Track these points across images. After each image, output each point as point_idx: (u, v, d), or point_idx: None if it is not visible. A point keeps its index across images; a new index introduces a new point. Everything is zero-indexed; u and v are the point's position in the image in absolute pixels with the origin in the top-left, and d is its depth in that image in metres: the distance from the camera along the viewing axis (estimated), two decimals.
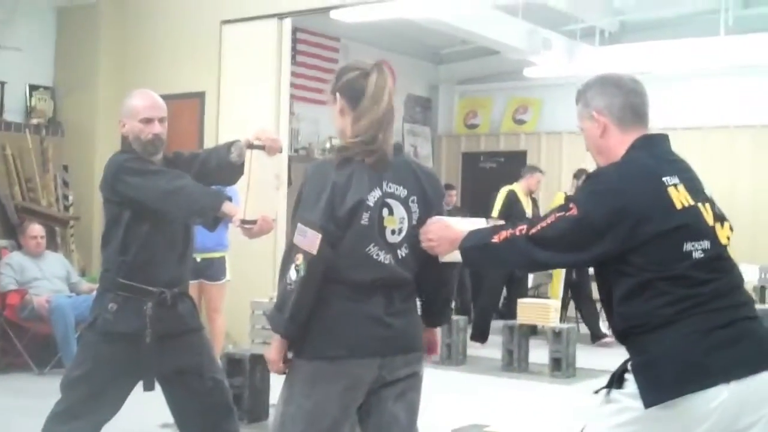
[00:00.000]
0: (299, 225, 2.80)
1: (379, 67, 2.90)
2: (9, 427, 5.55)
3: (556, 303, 8.44)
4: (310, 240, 2.75)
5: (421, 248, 2.90)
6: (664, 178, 2.63)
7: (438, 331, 3.24)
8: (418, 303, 3.07)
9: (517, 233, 2.68)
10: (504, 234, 2.70)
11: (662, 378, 2.51)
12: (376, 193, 2.84)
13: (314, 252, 2.75)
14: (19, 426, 5.21)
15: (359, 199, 2.80)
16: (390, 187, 2.87)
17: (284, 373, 2.92)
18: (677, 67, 10.65)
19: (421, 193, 2.92)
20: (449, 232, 2.85)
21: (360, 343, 2.83)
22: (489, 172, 12.49)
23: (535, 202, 9.80)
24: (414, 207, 2.90)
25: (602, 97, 2.76)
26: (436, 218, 2.92)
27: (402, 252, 2.88)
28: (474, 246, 2.79)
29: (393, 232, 2.86)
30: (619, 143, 2.72)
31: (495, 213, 9.11)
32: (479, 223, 2.99)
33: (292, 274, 2.77)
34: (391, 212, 2.86)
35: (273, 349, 2.89)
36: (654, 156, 2.69)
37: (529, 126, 12.63)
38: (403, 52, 11.88)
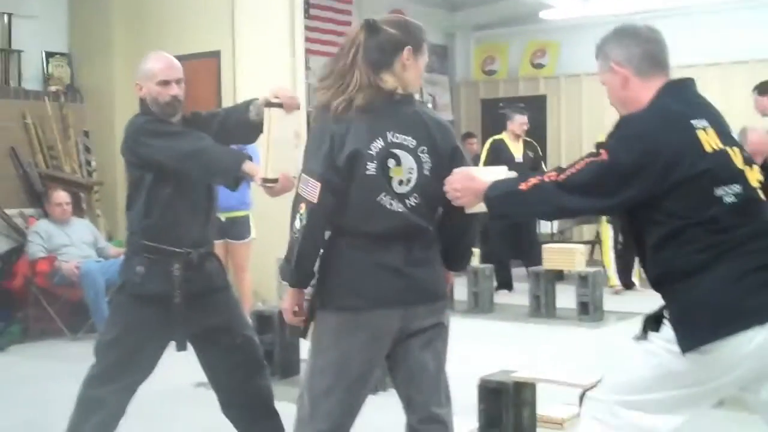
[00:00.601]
0: (302, 175, 2.85)
1: (363, 21, 2.92)
2: (46, 392, 5.64)
3: (581, 247, 8.42)
4: (311, 189, 2.80)
5: (435, 197, 2.90)
6: (692, 121, 2.62)
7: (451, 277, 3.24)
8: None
9: (546, 179, 2.67)
10: (532, 181, 2.70)
11: (698, 323, 2.53)
12: (378, 144, 2.84)
13: (315, 201, 2.79)
14: (56, 390, 5.28)
15: (357, 149, 2.81)
16: (396, 138, 2.86)
17: (299, 324, 2.97)
18: (693, 3, 10.51)
19: (431, 144, 2.90)
20: (474, 182, 2.83)
21: (381, 295, 2.85)
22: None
23: (530, 145, 9.57)
24: (425, 157, 2.89)
25: (620, 49, 2.76)
26: (460, 169, 2.91)
27: (411, 201, 2.87)
28: (500, 195, 2.77)
29: (400, 182, 2.86)
30: (642, 92, 2.71)
31: (481, 165, 8.70)
32: (503, 172, 2.96)
33: (297, 224, 2.82)
34: (398, 162, 2.85)
35: (286, 300, 2.96)
36: (682, 100, 2.68)
37: (547, 70, 12.53)
38: (418, 1, 11.77)
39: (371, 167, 2.82)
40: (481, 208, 2.84)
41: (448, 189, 2.87)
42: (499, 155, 9.06)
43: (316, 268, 2.90)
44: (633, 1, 10.45)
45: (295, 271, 2.86)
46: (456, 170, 2.89)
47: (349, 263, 2.88)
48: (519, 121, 9.46)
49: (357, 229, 2.86)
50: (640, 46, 2.74)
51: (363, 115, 2.83)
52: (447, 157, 2.93)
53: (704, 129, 2.62)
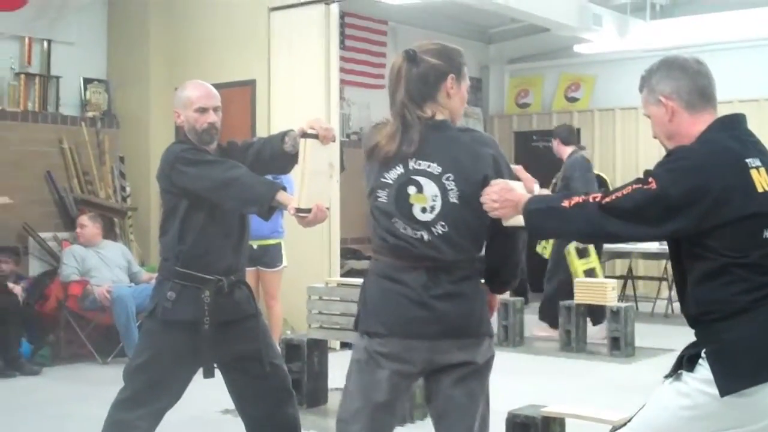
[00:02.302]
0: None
1: (402, 51, 2.94)
2: (75, 415, 5.66)
3: (613, 282, 8.35)
4: None
5: (468, 226, 2.85)
6: (747, 160, 2.58)
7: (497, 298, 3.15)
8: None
9: (590, 200, 2.64)
10: (576, 199, 2.66)
11: (739, 366, 2.49)
12: (398, 170, 2.85)
13: None
14: (85, 414, 5.31)
15: (375, 178, 2.87)
16: (419, 164, 2.85)
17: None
18: (730, 38, 10.47)
19: (459, 171, 2.84)
20: (513, 194, 2.78)
21: (398, 323, 2.84)
22: (542, 151, 12.37)
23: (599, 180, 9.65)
24: (450, 185, 2.83)
25: (668, 81, 2.72)
26: (497, 180, 2.84)
27: (438, 229, 2.83)
28: (540, 209, 2.73)
29: (423, 209, 2.84)
30: (690, 126, 2.68)
31: None
32: (536, 188, 2.93)
33: None
34: (420, 190, 2.84)
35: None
36: (735, 137, 2.65)
37: (581, 104, 12.51)
38: (452, 33, 11.80)
39: (382, 195, 2.86)
40: (517, 221, 2.79)
41: (485, 200, 2.81)
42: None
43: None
44: (668, 37, 10.42)
45: None
46: (494, 181, 2.83)
47: (375, 290, 2.90)
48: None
49: (383, 253, 2.89)
50: (689, 78, 2.71)
51: (385, 147, 2.86)
52: (478, 184, 2.85)
53: (757, 168, 2.58)
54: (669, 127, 2.73)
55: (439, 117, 2.90)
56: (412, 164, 2.85)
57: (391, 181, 2.85)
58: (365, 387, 2.88)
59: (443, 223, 2.84)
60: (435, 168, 2.85)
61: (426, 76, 2.89)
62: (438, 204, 2.84)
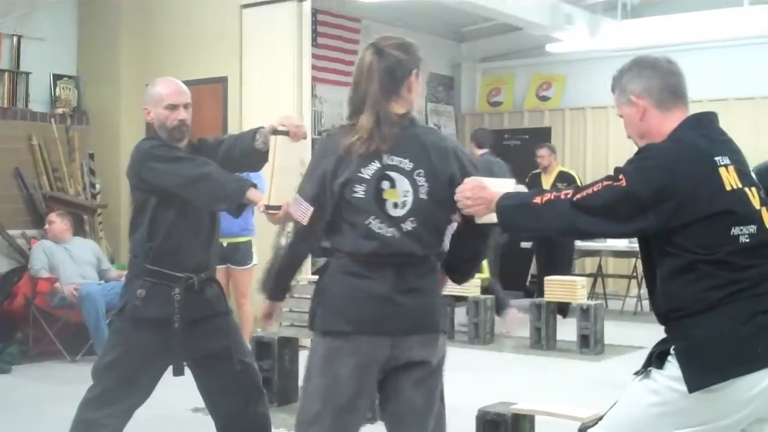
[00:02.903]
0: (296, 196, 2.93)
1: (370, 45, 2.93)
2: (43, 413, 5.62)
3: (582, 280, 8.41)
4: (303, 211, 2.88)
5: (435, 222, 2.88)
6: (716, 158, 2.61)
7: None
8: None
9: (562, 196, 2.66)
10: (547, 196, 2.69)
11: (707, 363, 2.51)
12: (374, 166, 2.84)
13: (304, 222, 2.88)
14: (53, 413, 5.27)
15: (353, 172, 2.83)
16: (392, 160, 2.86)
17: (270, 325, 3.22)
18: (700, 38, 10.55)
19: (428, 167, 2.87)
20: (486, 192, 2.80)
21: (365, 320, 2.83)
22: (513, 150, 12.43)
23: (564, 175, 9.91)
24: (420, 180, 2.86)
25: (639, 80, 2.75)
26: (471, 178, 2.87)
27: (407, 225, 2.84)
28: (512, 205, 2.75)
29: (395, 205, 2.85)
30: (661, 125, 2.70)
31: None
32: (512, 185, 2.94)
33: (282, 241, 2.93)
34: (393, 185, 2.85)
35: (262, 307, 3.22)
36: (705, 136, 2.67)
37: (552, 102, 12.56)
38: (425, 31, 11.82)
39: (359, 190, 2.83)
40: (490, 218, 2.82)
41: (458, 197, 2.84)
42: (530, 186, 9.24)
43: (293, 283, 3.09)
44: (639, 36, 10.48)
45: (274, 285, 3.07)
46: (467, 179, 2.86)
47: (340, 288, 2.88)
48: (538, 155, 10.11)
49: (348, 253, 2.86)
50: (659, 77, 2.73)
51: (365, 143, 2.84)
52: (445, 182, 2.88)
53: (726, 167, 2.61)
54: (641, 126, 2.75)
55: (402, 111, 2.91)
56: (386, 159, 2.86)
57: (368, 176, 2.84)
58: (326, 388, 2.86)
59: (413, 219, 2.85)
60: (407, 164, 2.86)
61: (393, 71, 2.89)
62: (409, 200, 2.85)
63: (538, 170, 10.15)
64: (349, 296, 2.86)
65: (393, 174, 2.85)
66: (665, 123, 2.70)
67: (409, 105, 2.94)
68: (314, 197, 2.87)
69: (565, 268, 9.62)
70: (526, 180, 9.90)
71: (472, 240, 3.00)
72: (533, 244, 10.31)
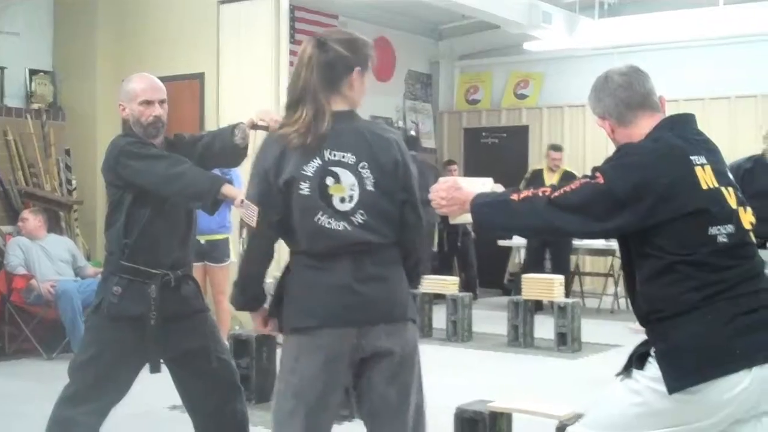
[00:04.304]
0: (244, 200, 2.91)
1: (312, 38, 2.90)
2: (19, 411, 5.57)
3: (560, 277, 8.44)
4: (251, 214, 2.86)
5: (385, 212, 2.87)
6: (692, 157, 2.63)
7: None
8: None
9: (540, 194, 2.66)
10: (524, 193, 2.69)
11: (686, 364, 2.52)
12: (315, 163, 2.83)
13: (253, 224, 2.86)
14: (29, 411, 5.23)
15: (294, 170, 2.81)
16: (334, 155, 2.84)
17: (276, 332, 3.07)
18: (677, 38, 10.61)
19: (372, 159, 2.86)
20: (460, 192, 2.81)
21: (329, 313, 2.82)
22: (491, 148, 12.47)
23: (568, 175, 9.89)
24: (365, 173, 2.85)
25: (598, 104, 2.82)
26: (446, 178, 2.89)
27: (357, 218, 2.83)
28: (488, 203, 2.75)
29: (342, 199, 2.84)
30: (632, 134, 2.74)
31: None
32: (489, 184, 2.95)
33: (241, 248, 2.90)
34: (337, 180, 2.84)
35: (253, 321, 3.10)
36: (681, 136, 2.69)
37: (530, 100, 12.59)
38: (403, 29, 11.83)
39: (305, 187, 2.82)
40: (465, 218, 2.83)
41: (432, 197, 2.84)
42: (533, 183, 9.53)
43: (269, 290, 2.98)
44: (616, 35, 10.52)
45: (240, 294, 2.99)
46: (442, 179, 2.87)
47: (300, 284, 2.87)
48: (551, 156, 10.26)
49: (300, 248, 2.87)
50: (610, 96, 2.77)
51: (302, 136, 2.82)
52: (390, 172, 2.88)
53: (702, 166, 2.62)
54: (616, 139, 2.80)
55: (342, 108, 2.89)
56: (327, 155, 2.84)
57: (311, 174, 2.83)
58: (298, 387, 2.85)
59: (362, 212, 2.85)
60: (350, 158, 2.86)
61: (333, 66, 2.86)
62: (356, 193, 2.85)
63: (539, 167, 10.24)
64: (308, 290, 2.85)
65: (336, 169, 2.84)
66: (634, 133, 2.73)
67: (351, 103, 2.92)
68: (259, 197, 2.86)
69: (566, 268, 9.89)
70: (527, 175, 10.04)
71: (409, 238, 2.97)
72: (533, 244, 10.24)
